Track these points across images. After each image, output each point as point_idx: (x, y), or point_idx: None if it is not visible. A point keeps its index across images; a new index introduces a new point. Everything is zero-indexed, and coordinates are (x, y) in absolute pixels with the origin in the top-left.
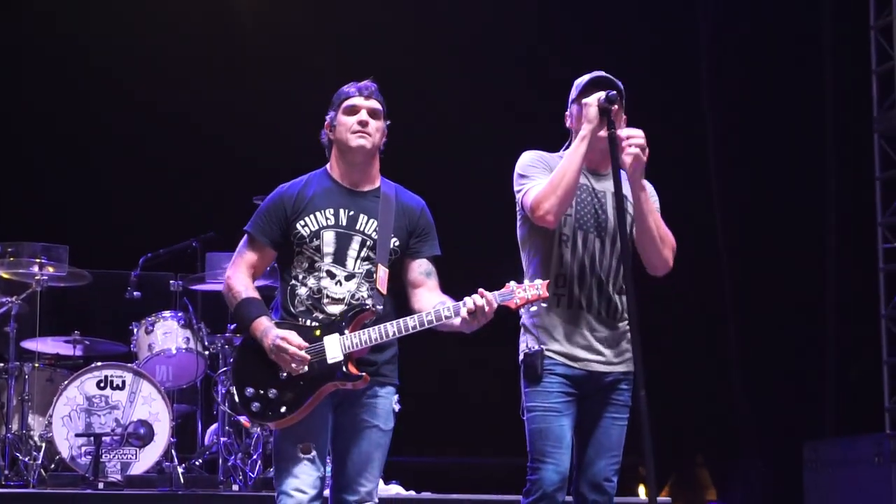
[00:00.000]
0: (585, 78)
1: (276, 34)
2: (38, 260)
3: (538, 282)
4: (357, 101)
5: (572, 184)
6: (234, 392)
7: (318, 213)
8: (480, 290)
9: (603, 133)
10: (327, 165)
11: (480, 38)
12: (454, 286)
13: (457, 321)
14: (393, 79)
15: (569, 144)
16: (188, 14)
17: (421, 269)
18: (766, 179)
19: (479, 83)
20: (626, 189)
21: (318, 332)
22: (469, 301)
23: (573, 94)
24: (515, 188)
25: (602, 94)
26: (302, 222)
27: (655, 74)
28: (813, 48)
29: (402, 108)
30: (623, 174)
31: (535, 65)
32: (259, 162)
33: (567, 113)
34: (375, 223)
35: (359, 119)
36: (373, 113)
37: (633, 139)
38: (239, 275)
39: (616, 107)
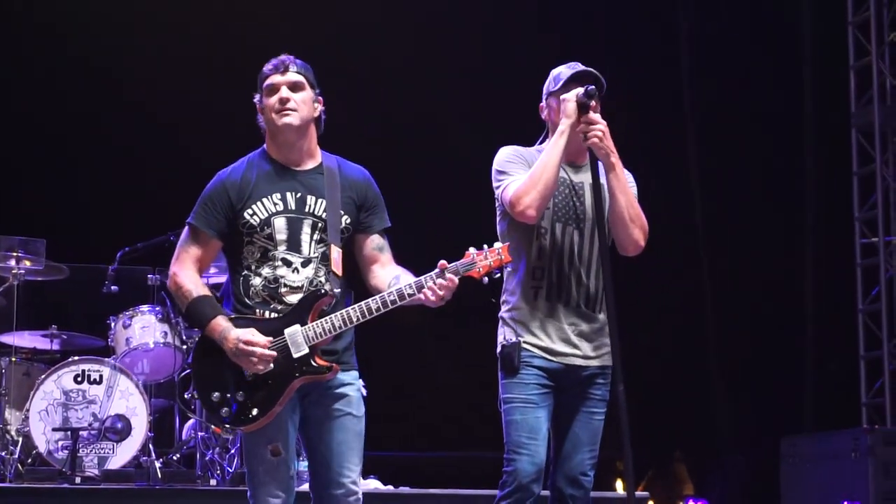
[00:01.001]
0: (565, 71)
1: (256, 29)
2: (14, 253)
3: (497, 244)
4: (274, 78)
5: (552, 178)
6: (200, 399)
7: (265, 200)
8: (442, 262)
9: (581, 128)
10: (265, 145)
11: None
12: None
13: (420, 296)
14: (390, 77)
15: (544, 137)
16: (168, 8)
17: (373, 244)
18: (745, 174)
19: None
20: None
21: (275, 325)
22: (428, 279)
23: (551, 86)
24: (494, 184)
25: (580, 90)
26: (250, 210)
27: (635, 70)
28: (791, 43)
29: (399, 105)
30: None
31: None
32: (236, 156)
33: (542, 105)
34: (324, 202)
35: (279, 97)
36: (294, 87)
37: (594, 127)
38: (186, 271)
39: (594, 102)
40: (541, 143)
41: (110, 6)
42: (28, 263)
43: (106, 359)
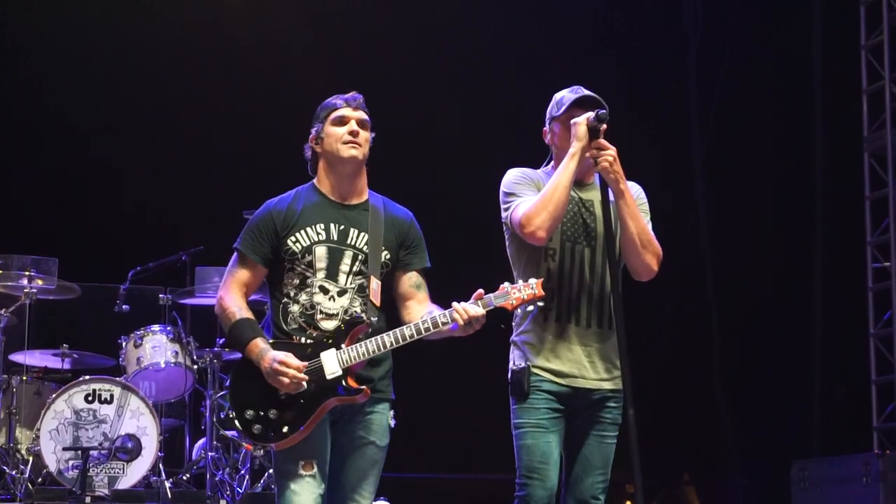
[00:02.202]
0: (568, 95)
1: (268, 47)
2: (27, 273)
3: (532, 280)
4: (346, 111)
5: (563, 200)
6: (234, 416)
7: (308, 229)
8: (479, 291)
9: (591, 153)
10: (314, 180)
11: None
12: (453, 292)
13: (451, 326)
14: (389, 86)
15: (550, 160)
16: (179, 26)
17: (411, 281)
18: (755, 198)
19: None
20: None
21: (311, 350)
22: (461, 307)
23: (554, 111)
24: (502, 206)
25: (591, 114)
26: (293, 238)
27: (644, 95)
28: (804, 67)
29: (397, 113)
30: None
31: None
32: (248, 176)
33: (545, 129)
34: (366, 236)
35: (349, 129)
36: (361, 124)
37: (605, 153)
38: (231, 295)
39: (604, 126)
40: (546, 165)
41: (123, 28)
42: (40, 283)
43: (117, 378)
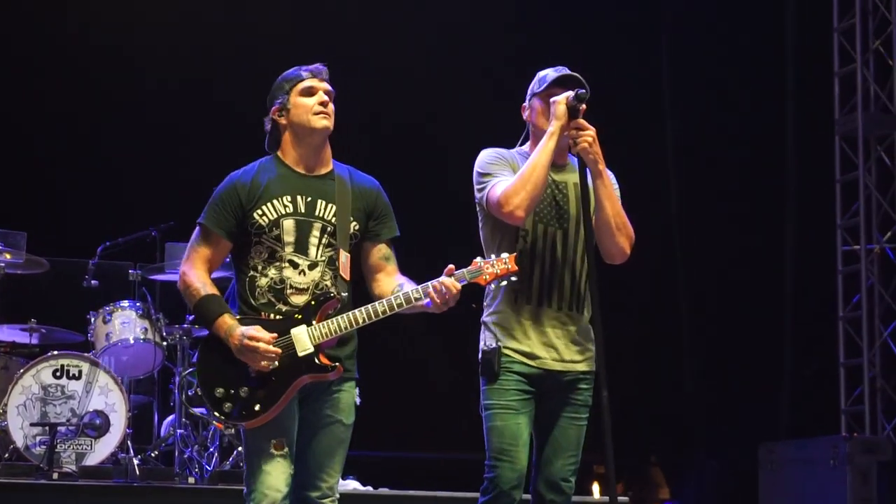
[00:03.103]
0: (551, 73)
1: (241, 23)
2: None
3: (505, 255)
4: (313, 82)
5: (542, 179)
6: (203, 394)
7: (275, 201)
8: (450, 266)
9: (570, 133)
10: (278, 152)
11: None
12: (429, 269)
13: (425, 302)
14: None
15: (525, 137)
16: (149, 6)
17: (380, 253)
18: (726, 180)
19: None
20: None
21: (281, 326)
22: (436, 283)
23: (535, 87)
24: (476, 187)
25: (571, 93)
26: (259, 211)
27: (613, 73)
28: (775, 49)
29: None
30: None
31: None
32: (219, 150)
33: (525, 105)
34: (334, 207)
35: (319, 100)
36: (328, 94)
37: (584, 133)
38: (195, 270)
39: (584, 106)
40: (521, 143)
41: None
42: (8, 256)
43: (85, 354)
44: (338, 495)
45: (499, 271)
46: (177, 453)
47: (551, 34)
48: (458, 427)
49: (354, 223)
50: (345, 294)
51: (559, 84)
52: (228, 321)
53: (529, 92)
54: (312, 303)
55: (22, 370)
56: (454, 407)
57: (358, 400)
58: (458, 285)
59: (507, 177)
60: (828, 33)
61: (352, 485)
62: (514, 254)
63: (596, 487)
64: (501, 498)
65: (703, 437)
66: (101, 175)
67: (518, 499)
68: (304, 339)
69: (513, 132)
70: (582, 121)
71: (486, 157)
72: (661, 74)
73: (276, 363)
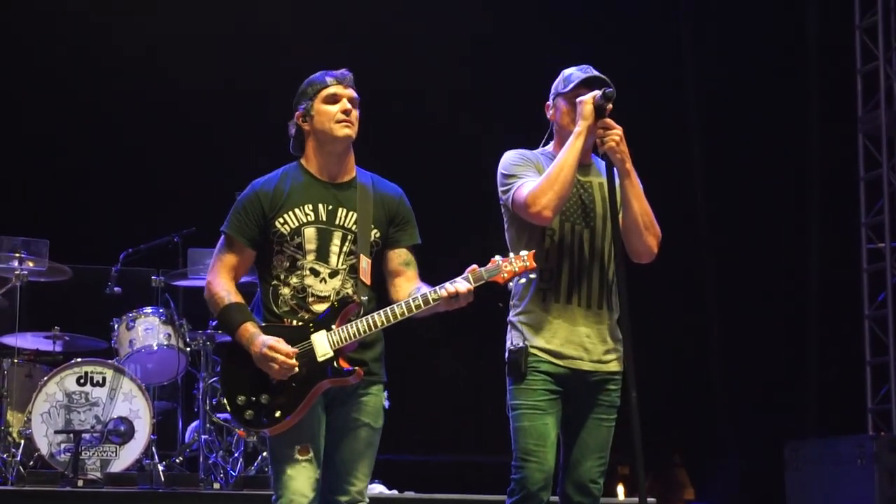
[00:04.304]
0: (576, 73)
1: (262, 29)
2: (17, 254)
3: (523, 252)
4: (337, 89)
5: (569, 179)
6: (226, 402)
7: (297, 210)
8: (473, 266)
9: (598, 133)
10: (301, 159)
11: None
12: (446, 268)
13: (443, 294)
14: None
15: (549, 137)
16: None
17: (400, 259)
18: (750, 178)
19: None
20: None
21: (302, 332)
22: (449, 284)
23: (560, 87)
24: (501, 189)
25: (598, 92)
26: (281, 220)
27: (638, 76)
28: (797, 47)
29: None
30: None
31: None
32: (240, 156)
33: (549, 104)
34: (355, 215)
35: (342, 108)
36: (352, 101)
37: (611, 133)
38: (220, 279)
39: (610, 105)
40: (545, 144)
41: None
42: (31, 264)
43: (109, 361)
44: (367, 499)
45: (517, 269)
46: (201, 459)
47: (573, 40)
48: (484, 429)
49: (375, 231)
50: (365, 298)
51: (585, 85)
52: (251, 329)
53: (553, 91)
54: (334, 306)
55: (46, 378)
56: (481, 409)
57: (386, 403)
58: (471, 286)
59: (533, 178)
60: (850, 31)
61: (377, 488)
62: (533, 251)
63: (621, 489)
64: (529, 499)
65: (729, 437)
66: (122, 182)
67: (546, 500)
68: (323, 344)
69: (537, 131)
70: (609, 120)
71: (510, 159)
72: (683, 74)
73: (296, 370)
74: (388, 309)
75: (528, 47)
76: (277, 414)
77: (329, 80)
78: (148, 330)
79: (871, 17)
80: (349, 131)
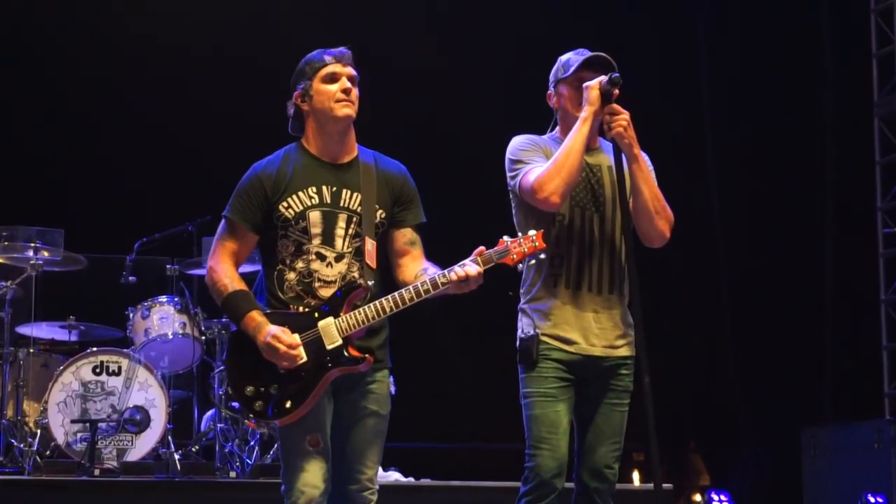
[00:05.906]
0: (574, 58)
1: (273, 18)
2: (33, 244)
3: (532, 232)
4: (336, 68)
5: (577, 165)
6: (233, 393)
7: (300, 193)
8: (481, 248)
9: (605, 118)
10: (302, 140)
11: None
12: (455, 248)
13: (452, 277)
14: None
15: (555, 125)
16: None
17: (405, 238)
18: (765, 163)
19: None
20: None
21: (309, 319)
22: (458, 267)
23: (560, 73)
24: (509, 174)
25: (604, 78)
26: (285, 204)
27: (651, 60)
28: (812, 31)
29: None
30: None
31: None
32: (255, 144)
33: (550, 92)
34: (359, 196)
35: (342, 87)
36: (352, 80)
37: (618, 118)
38: (222, 265)
39: (617, 90)
40: (551, 130)
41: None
42: (46, 254)
43: (124, 350)
44: (377, 486)
45: (526, 250)
46: (217, 447)
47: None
48: (500, 416)
49: (381, 211)
50: (371, 283)
51: (588, 66)
52: (257, 318)
53: (553, 78)
54: (339, 293)
55: (62, 367)
56: (496, 396)
57: (393, 389)
58: (480, 269)
59: (541, 163)
60: (865, 14)
61: (393, 476)
62: (542, 230)
63: (636, 475)
64: (543, 487)
65: (746, 423)
66: (137, 171)
67: (560, 487)
68: (332, 331)
69: (540, 119)
70: (616, 105)
71: (518, 144)
72: (698, 59)
73: (305, 358)
74: (396, 294)
75: (533, 38)
76: (288, 405)
77: (328, 58)
78: (163, 319)
79: (887, 0)
80: (349, 111)
